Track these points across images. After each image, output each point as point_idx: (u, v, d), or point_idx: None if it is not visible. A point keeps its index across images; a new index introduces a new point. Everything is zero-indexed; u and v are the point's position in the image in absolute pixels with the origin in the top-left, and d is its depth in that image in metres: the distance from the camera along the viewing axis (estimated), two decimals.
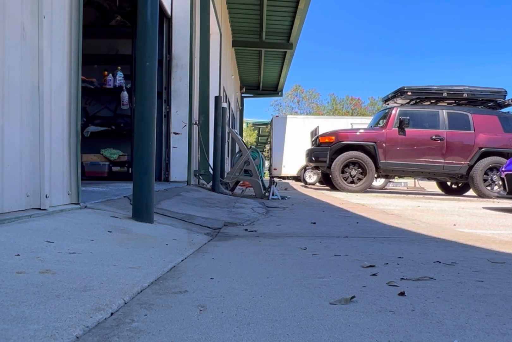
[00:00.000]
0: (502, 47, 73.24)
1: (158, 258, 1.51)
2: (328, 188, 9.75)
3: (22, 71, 1.76)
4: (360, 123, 13.59)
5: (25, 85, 1.78)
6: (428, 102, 9.11)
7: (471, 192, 8.79)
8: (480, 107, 9.04)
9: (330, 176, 8.64)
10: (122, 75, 5.28)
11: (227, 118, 8.76)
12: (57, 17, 2.00)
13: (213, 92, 6.96)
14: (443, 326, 0.95)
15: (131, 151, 5.09)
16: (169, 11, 5.29)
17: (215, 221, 2.76)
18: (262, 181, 5.87)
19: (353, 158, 8.38)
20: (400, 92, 8.90)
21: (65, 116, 2.09)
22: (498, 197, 5.27)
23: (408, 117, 8.36)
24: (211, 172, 5.67)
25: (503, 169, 5.19)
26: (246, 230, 2.55)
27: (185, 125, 5.31)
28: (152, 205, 2.18)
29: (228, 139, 10.57)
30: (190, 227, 2.39)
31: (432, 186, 12.30)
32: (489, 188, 8.23)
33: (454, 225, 3.05)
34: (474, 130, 8.38)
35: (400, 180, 15.27)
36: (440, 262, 1.64)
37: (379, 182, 11.90)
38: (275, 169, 16.26)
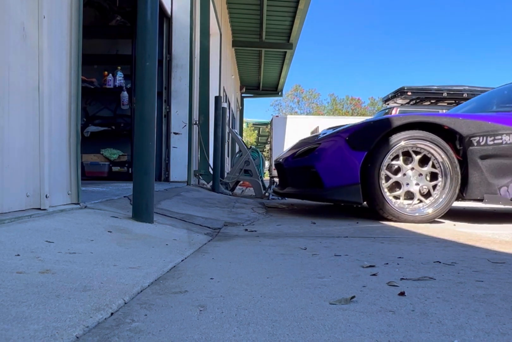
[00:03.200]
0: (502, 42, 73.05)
1: (158, 258, 1.51)
2: None
3: (22, 71, 1.76)
4: None
5: (25, 85, 1.78)
6: (428, 102, 9.10)
7: None
8: None
9: None
10: (122, 75, 5.28)
11: (227, 118, 8.77)
12: (57, 17, 2.00)
13: (213, 92, 6.96)
14: (443, 326, 0.95)
15: (131, 151, 5.09)
16: (169, 11, 5.29)
17: (215, 221, 2.76)
18: (262, 181, 5.87)
19: None
20: (400, 92, 8.89)
21: (65, 116, 2.09)
22: (274, 192, 4.33)
23: None
24: (211, 172, 5.67)
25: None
26: (246, 230, 2.55)
27: (185, 125, 5.31)
28: (152, 205, 2.18)
29: (228, 139, 10.57)
30: (190, 227, 2.39)
31: None
32: None
33: (454, 225, 3.05)
34: None
35: None
36: (440, 262, 1.65)
37: None
38: (275, 169, 16.25)
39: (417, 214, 3.14)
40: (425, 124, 3.21)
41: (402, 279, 1.37)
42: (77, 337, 0.80)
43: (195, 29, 5.66)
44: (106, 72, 5.27)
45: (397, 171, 3.20)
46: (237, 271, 1.44)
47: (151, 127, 2.16)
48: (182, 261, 1.57)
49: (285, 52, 12.44)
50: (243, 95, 17.77)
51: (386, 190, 3.15)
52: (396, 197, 3.19)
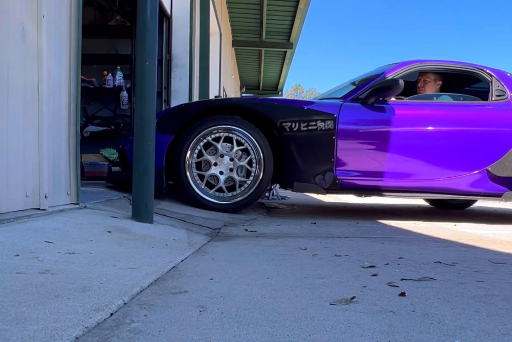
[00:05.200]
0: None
1: (157, 258, 1.50)
2: None
3: (21, 71, 1.75)
4: None
5: (25, 85, 1.78)
6: None
7: None
8: None
9: None
10: (122, 75, 5.27)
11: None
12: (56, 17, 1.99)
13: (213, 92, 6.95)
14: (444, 326, 0.95)
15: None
16: (168, 11, 5.28)
17: (215, 221, 2.76)
18: None
19: None
20: None
21: (64, 116, 2.09)
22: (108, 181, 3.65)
23: None
24: None
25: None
26: (246, 230, 2.55)
27: None
28: (151, 205, 2.18)
29: None
30: (190, 227, 2.38)
31: None
32: None
33: (455, 225, 3.05)
34: None
35: None
36: (440, 262, 1.64)
37: None
38: None
39: (226, 202, 3.02)
40: (240, 108, 3.04)
41: (403, 279, 1.37)
42: (77, 338, 0.80)
43: (195, 29, 5.65)
44: (105, 72, 5.25)
45: (212, 155, 3.03)
46: (237, 271, 1.44)
47: (151, 127, 2.15)
48: (182, 261, 1.56)
49: (285, 51, 12.42)
50: (243, 94, 17.76)
51: (195, 174, 3.00)
52: (209, 183, 3.04)
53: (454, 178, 3.11)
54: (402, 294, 1.18)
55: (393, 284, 1.29)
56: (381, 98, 3.15)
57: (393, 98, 3.26)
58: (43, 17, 1.85)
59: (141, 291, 1.14)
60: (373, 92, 3.12)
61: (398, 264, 1.60)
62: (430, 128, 3.15)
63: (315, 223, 2.91)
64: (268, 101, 3.21)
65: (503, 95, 3.26)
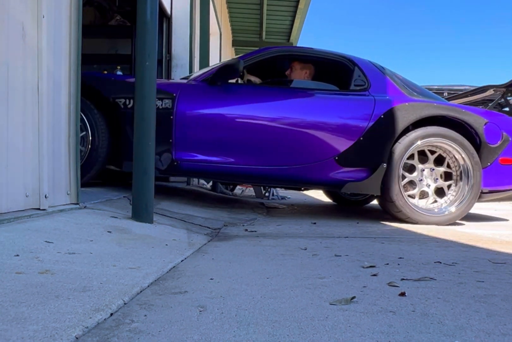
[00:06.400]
0: None
1: (157, 258, 1.50)
2: None
3: (21, 70, 1.75)
4: None
5: (24, 85, 1.78)
6: None
7: None
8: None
9: None
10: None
11: None
12: (56, 17, 1.99)
13: None
14: (444, 326, 0.95)
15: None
16: (168, 11, 5.28)
17: (215, 221, 2.76)
18: None
19: None
20: None
21: (64, 116, 2.08)
22: None
23: None
24: None
25: None
26: (246, 230, 2.55)
27: None
28: (152, 205, 2.18)
29: None
30: (190, 227, 2.38)
31: None
32: None
33: (455, 225, 3.05)
34: None
35: None
36: (440, 262, 1.64)
37: None
38: None
39: None
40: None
41: (403, 279, 1.37)
42: (77, 338, 0.80)
43: (195, 29, 5.65)
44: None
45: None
46: (237, 271, 1.44)
47: (151, 127, 2.15)
48: (182, 261, 1.57)
49: None
50: None
51: None
52: None
53: (301, 167, 2.98)
54: (402, 294, 1.18)
55: (393, 284, 1.29)
56: (225, 80, 3.00)
57: (253, 81, 3.18)
58: (43, 17, 1.85)
59: (141, 291, 1.14)
60: (217, 72, 2.97)
61: (398, 264, 1.60)
62: (277, 114, 2.98)
63: (315, 223, 2.91)
64: (105, 76, 3.13)
65: (363, 85, 3.15)
